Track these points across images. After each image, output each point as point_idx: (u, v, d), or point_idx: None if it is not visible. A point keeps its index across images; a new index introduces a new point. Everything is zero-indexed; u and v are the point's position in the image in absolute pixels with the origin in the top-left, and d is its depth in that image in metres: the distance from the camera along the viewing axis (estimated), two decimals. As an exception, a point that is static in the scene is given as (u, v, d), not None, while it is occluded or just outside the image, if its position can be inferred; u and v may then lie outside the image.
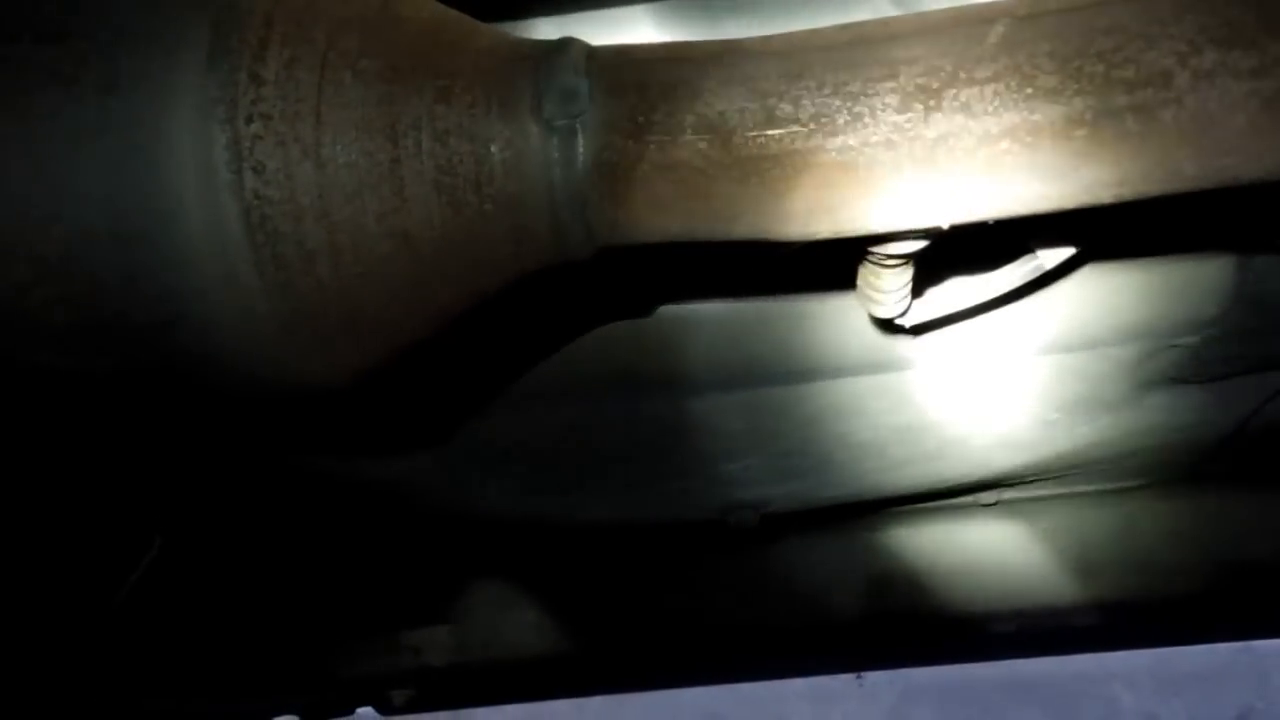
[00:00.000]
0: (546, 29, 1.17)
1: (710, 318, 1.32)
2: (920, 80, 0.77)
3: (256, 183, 0.75)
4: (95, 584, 1.56)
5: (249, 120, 0.75)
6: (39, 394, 0.85)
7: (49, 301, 0.77)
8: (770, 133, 0.79)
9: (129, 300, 0.77)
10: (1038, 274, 1.13)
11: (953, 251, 1.00)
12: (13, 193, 0.74)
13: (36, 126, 0.74)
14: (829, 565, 1.71)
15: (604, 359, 1.35)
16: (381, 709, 1.82)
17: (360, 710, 1.87)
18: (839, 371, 1.37)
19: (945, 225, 0.83)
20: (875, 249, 0.94)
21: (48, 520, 1.47)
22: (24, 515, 1.41)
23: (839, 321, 1.31)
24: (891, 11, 1.12)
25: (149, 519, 1.63)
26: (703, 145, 0.80)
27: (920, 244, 0.90)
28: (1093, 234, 1.12)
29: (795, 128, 0.79)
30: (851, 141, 0.78)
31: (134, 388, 0.85)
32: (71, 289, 0.77)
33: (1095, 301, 1.31)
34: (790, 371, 1.37)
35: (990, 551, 1.69)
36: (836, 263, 1.06)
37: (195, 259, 0.76)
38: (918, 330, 1.26)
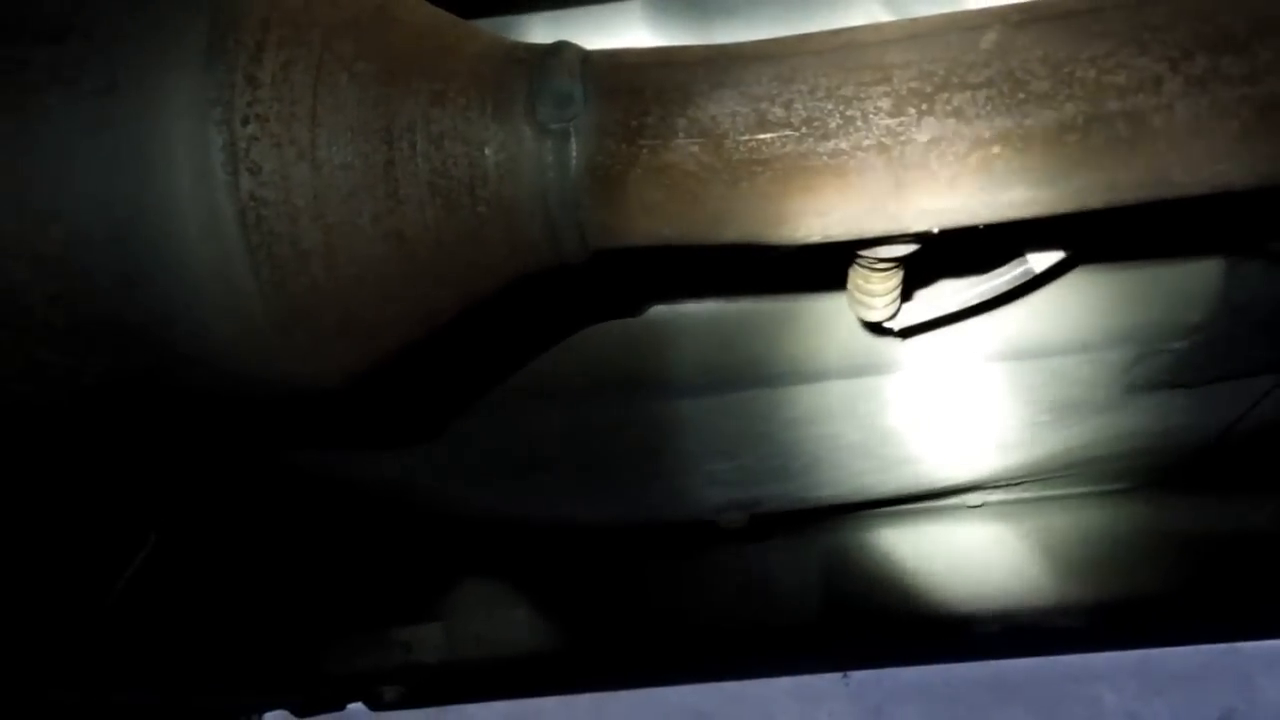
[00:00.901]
0: (538, 25, 1.17)
1: (701, 320, 1.32)
2: (913, 84, 0.77)
3: (252, 184, 0.75)
4: (90, 579, 1.56)
5: (245, 122, 0.75)
6: (35, 392, 0.84)
7: (46, 300, 0.77)
8: (762, 136, 0.79)
9: (125, 299, 0.77)
10: (1027, 278, 1.14)
11: (943, 255, 1.01)
12: (12, 192, 0.75)
13: (35, 127, 0.74)
14: (817, 565, 1.72)
15: (595, 360, 1.35)
16: (372, 705, 1.83)
17: (351, 706, 1.88)
18: (828, 374, 1.37)
19: (936, 229, 0.83)
20: (866, 252, 0.93)
21: (43, 516, 1.47)
22: (19, 511, 1.41)
23: (829, 324, 1.32)
24: (883, 16, 1.13)
25: (144, 515, 1.63)
26: (695, 149, 0.80)
27: (911, 248, 0.90)
28: (1083, 238, 1.13)
29: (787, 131, 0.78)
30: (843, 145, 0.78)
31: (129, 386, 0.85)
32: (69, 288, 0.77)
33: (1084, 306, 1.31)
34: (780, 373, 1.37)
35: (976, 553, 1.70)
36: (827, 266, 1.06)
37: (191, 259, 0.76)
38: (907, 334, 1.27)
